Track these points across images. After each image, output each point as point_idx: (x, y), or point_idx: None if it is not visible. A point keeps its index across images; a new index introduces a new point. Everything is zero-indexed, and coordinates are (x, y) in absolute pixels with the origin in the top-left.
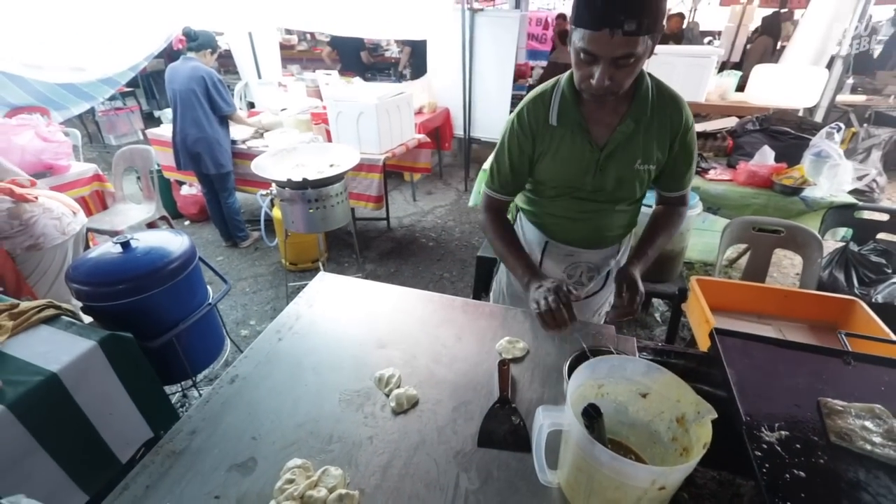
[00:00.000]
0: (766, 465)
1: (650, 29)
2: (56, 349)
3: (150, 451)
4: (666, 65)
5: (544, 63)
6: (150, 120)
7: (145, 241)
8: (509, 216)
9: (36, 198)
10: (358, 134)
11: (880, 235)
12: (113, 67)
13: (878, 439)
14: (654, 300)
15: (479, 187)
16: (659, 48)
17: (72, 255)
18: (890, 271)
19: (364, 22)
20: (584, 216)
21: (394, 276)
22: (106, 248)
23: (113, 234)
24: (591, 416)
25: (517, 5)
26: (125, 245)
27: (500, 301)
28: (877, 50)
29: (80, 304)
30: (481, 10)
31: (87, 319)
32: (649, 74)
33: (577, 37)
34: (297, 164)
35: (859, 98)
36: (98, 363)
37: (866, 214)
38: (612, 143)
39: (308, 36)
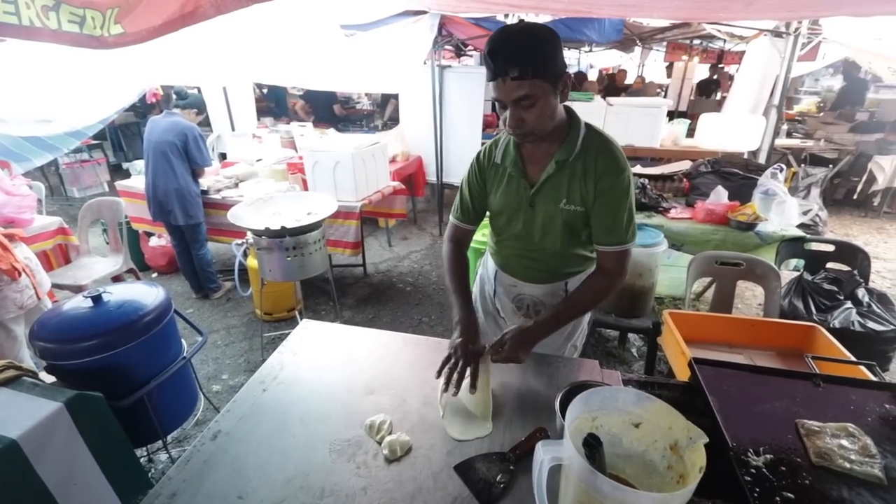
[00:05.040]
0: (757, 490)
1: (537, 73)
2: (17, 413)
3: None
4: (622, 115)
5: None
6: (118, 172)
7: (118, 294)
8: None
9: (20, 274)
10: (335, 182)
11: (830, 265)
12: (82, 120)
13: (854, 456)
14: (630, 335)
15: None
16: (614, 100)
17: (22, 329)
18: (842, 298)
19: (337, 76)
20: (525, 252)
21: (372, 322)
22: (75, 303)
23: (76, 288)
24: (592, 445)
25: (482, 62)
26: (96, 299)
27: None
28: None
29: (43, 363)
30: (449, 66)
31: (50, 380)
32: (587, 124)
33: (492, 88)
34: (274, 212)
35: (794, 142)
36: (63, 427)
37: (815, 246)
38: (539, 182)
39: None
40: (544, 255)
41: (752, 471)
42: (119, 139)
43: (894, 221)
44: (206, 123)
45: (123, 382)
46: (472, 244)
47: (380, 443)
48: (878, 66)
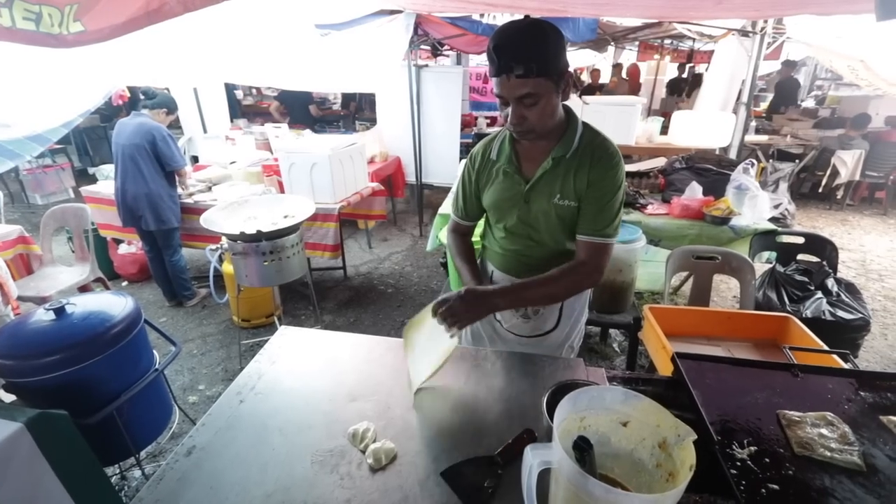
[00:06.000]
0: (743, 483)
1: (541, 72)
2: None
3: None
4: (598, 113)
5: (486, 113)
6: (84, 177)
7: (83, 305)
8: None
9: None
10: (312, 184)
11: (800, 256)
12: (43, 124)
13: (834, 445)
14: (611, 331)
15: (437, 231)
16: (590, 98)
17: None
18: (813, 288)
19: (312, 77)
20: (521, 249)
21: (353, 325)
22: (36, 316)
23: (40, 300)
24: (582, 448)
25: (458, 61)
26: (59, 311)
27: (460, 343)
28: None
29: (1, 381)
30: (426, 65)
31: (10, 399)
32: (585, 123)
33: (494, 84)
34: (250, 216)
35: (763, 138)
36: (24, 450)
37: (786, 238)
38: (535, 178)
39: (254, 91)
40: (541, 251)
41: (738, 463)
42: (84, 143)
43: (856, 213)
44: (176, 125)
45: (91, 398)
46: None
47: (364, 451)
48: (838, 65)
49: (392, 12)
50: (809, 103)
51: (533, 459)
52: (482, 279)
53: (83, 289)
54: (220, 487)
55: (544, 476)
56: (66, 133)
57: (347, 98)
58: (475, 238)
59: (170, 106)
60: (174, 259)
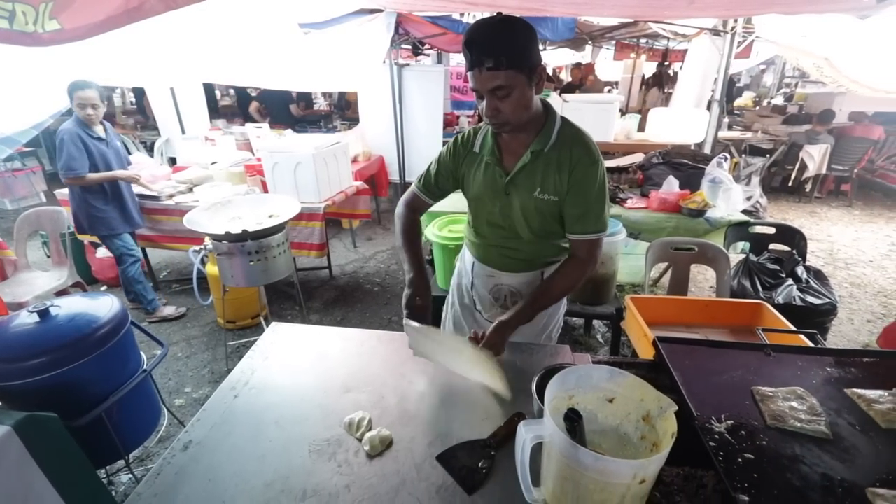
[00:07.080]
0: (721, 454)
1: (511, 64)
2: None
3: None
4: (577, 111)
5: (467, 112)
6: (56, 181)
7: (68, 307)
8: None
9: None
10: (296, 184)
11: (772, 246)
12: (11, 126)
13: (804, 416)
14: (595, 322)
15: (421, 229)
16: (569, 97)
17: None
18: (784, 276)
19: (293, 76)
20: (502, 242)
21: (341, 324)
22: (20, 319)
23: (16, 306)
24: (573, 419)
25: (439, 60)
26: (43, 313)
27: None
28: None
29: None
30: (407, 65)
31: None
32: (563, 117)
33: (469, 79)
34: (234, 216)
35: (735, 133)
36: (13, 454)
37: (758, 229)
38: (514, 171)
39: (232, 91)
40: (521, 243)
41: (716, 436)
42: (55, 146)
43: (824, 205)
44: (153, 126)
45: (79, 400)
46: (448, 241)
47: (360, 439)
48: (804, 63)
49: (372, 11)
50: (779, 100)
51: (526, 435)
52: (423, 265)
53: (61, 294)
54: (218, 480)
55: (536, 455)
56: (35, 135)
57: (300, 97)
58: (458, 234)
59: (69, 94)
60: (121, 268)
